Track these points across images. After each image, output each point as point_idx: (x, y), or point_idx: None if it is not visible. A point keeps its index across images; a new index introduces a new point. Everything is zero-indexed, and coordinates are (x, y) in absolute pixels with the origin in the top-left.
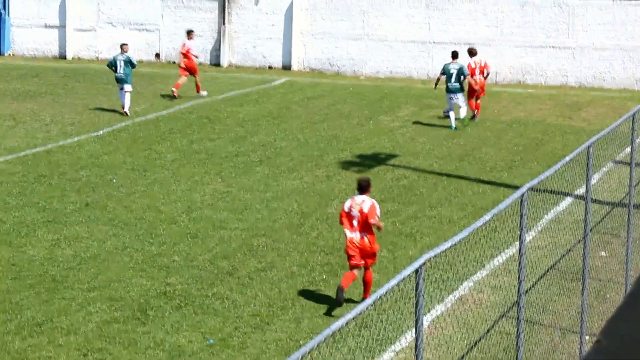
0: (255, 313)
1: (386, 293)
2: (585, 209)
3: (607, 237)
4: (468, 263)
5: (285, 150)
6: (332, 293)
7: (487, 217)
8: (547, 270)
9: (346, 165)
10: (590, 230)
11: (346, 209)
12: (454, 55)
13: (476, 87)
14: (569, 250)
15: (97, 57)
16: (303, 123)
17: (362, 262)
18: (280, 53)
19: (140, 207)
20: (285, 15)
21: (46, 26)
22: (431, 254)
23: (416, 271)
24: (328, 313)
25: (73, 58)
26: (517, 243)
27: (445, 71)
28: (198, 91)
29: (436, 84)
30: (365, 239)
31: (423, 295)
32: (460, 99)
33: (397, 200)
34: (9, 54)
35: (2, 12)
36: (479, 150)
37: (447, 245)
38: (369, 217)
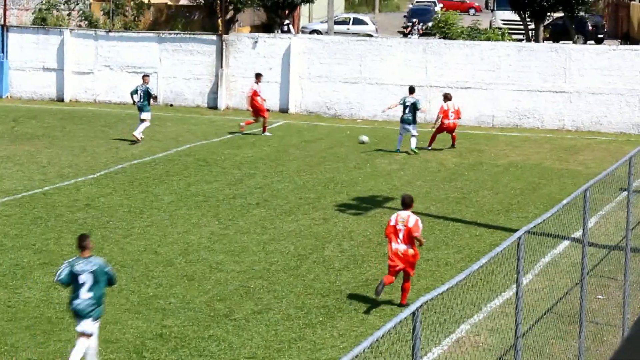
0: (252, 355)
1: (383, 335)
2: (582, 252)
3: (604, 280)
4: (465, 306)
5: (282, 192)
6: (328, 336)
7: (484, 260)
8: (544, 314)
9: (343, 208)
10: (588, 273)
11: (392, 223)
12: (411, 90)
13: (445, 125)
14: (566, 293)
15: (95, 100)
16: (300, 166)
17: (402, 266)
18: (277, 96)
19: (137, 249)
20: (282, 59)
21: (44, 69)
22: (428, 296)
23: (413, 314)
24: (325, 355)
25: (71, 101)
26: (514, 286)
27: (401, 102)
28: (264, 131)
29: (388, 108)
30: (410, 250)
31: (420, 338)
32: (412, 130)
33: None
34: (7, 97)
35: (1, 54)
36: (476, 193)
37: (444, 288)
38: (413, 231)
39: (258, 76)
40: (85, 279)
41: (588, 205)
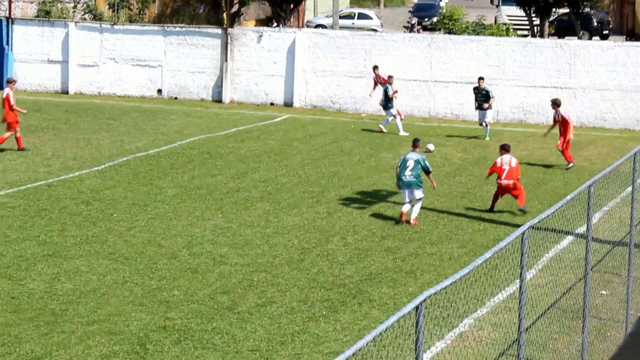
0: (255, 348)
1: (386, 329)
2: (586, 247)
3: (608, 275)
4: (468, 300)
5: (286, 186)
6: (331, 329)
7: (487, 255)
8: (548, 309)
9: (347, 202)
10: (591, 269)
11: (498, 165)
12: (415, 143)
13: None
14: (570, 288)
15: (100, 93)
16: (304, 160)
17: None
18: (282, 90)
19: (141, 242)
20: (287, 53)
21: (49, 61)
22: (432, 291)
23: (416, 308)
24: (328, 349)
25: (75, 93)
26: (517, 281)
27: (400, 164)
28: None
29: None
30: (512, 184)
31: (423, 332)
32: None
33: (397, 237)
34: None
35: (6, 47)
36: (480, 188)
37: (447, 282)
38: (516, 171)
39: (390, 77)
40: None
41: (592, 200)
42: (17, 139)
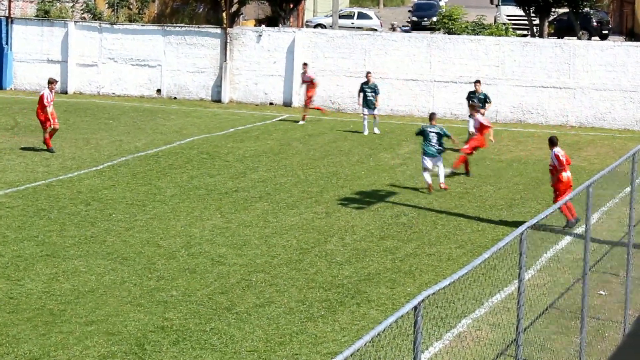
0: (253, 349)
1: (384, 330)
2: (585, 247)
3: (606, 276)
4: (467, 301)
5: (285, 186)
6: (330, 329)
7: (486, 255)
8: (546, 309)
9: (345, 202)
10: (590, 269)
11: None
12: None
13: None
14: (568, 288)
15: (99, 92)
16: (303, 160)
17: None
18: (281, 90)
19: (139, 242)
20: (287, 53)
21: (48, 61)
22: (430, 291)
23: (415, 308)
24: (326, 349)
25: (74, 93)
26: (516, 281)
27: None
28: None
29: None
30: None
31: (421, 333)
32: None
33: (396, 238)
34: (11, 89)
35: (5, 46)
36: (478, 188)
37: (446, 282)
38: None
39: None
40: None
41: (591, 201)
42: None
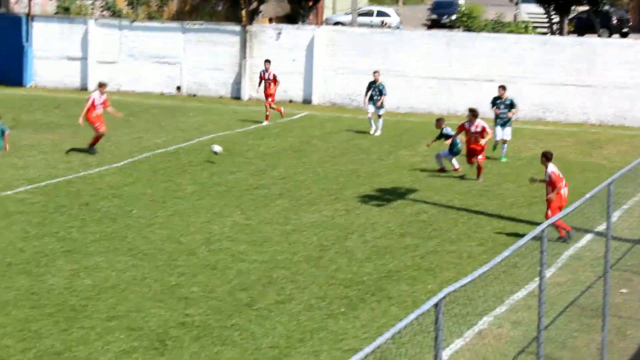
0: (274, 345)
1: (405, 327)
2: (606, 245)
3: (628, 274)
4: (487, 298)
5: (305, 183)
6: (350, 326)
7: (507, 253)
8: (567, 307)
9: (366, 199)
10: (611, 267)
11: (560, 175)
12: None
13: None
14: (589, 286)
15: (119, 90)
16: (323, 157)
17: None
18: (300, 87)
19: (160, 238)
20: (306, 51)
21: (68, 58)
22: (451, 288)
23: (436, 305)
24: (347, 346)
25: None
26: (537, 279)
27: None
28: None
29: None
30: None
31: (442, 330)
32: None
33: (416, 235)
34: (32, 86)
35: (25, 44)
36: (499, 186)
37: (467, 280)
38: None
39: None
40: None
41: (612, 199)
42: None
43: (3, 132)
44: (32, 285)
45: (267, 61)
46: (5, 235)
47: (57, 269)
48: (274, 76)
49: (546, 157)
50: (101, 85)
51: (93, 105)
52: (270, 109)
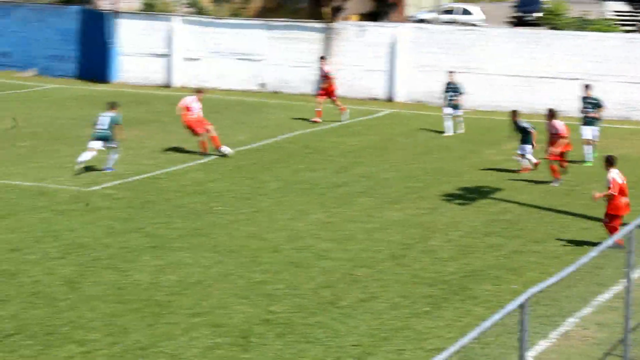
0: (358, 343)
1: (490, 327)
2: None
3: None
4: (572, 299)
5: (388, 181)
6: (434, 326)
7: (592, 254)
8: None
9: (449, 198)
10: None
11: (621, 181)
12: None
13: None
14: None
15: (203, 86)
16: (406, 155)
17: None
18: (384, 85)
19: (244, 235)
20: (389, 48)
21: (153, 55)
22: (536, 289)
23: (521, 306)
24: (430, 345)
25: (179, 87)
26: (621, 280)
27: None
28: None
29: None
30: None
31: (527, 330)
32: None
33: (501, 234)
34: (118, 82)
35: (110, 40)
36: (584, 186)
37: (552, 280)
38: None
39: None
40: None
41: None
42: (204, 141)
43: (117, 123)
44: (118, 280)
45: (322, 57)
46: (92, 230)
47: (143, 264)
48: (327, 73)
49: (609, 162)
50: (198, 92)
51: (188, 109)
52: (338, 103)
